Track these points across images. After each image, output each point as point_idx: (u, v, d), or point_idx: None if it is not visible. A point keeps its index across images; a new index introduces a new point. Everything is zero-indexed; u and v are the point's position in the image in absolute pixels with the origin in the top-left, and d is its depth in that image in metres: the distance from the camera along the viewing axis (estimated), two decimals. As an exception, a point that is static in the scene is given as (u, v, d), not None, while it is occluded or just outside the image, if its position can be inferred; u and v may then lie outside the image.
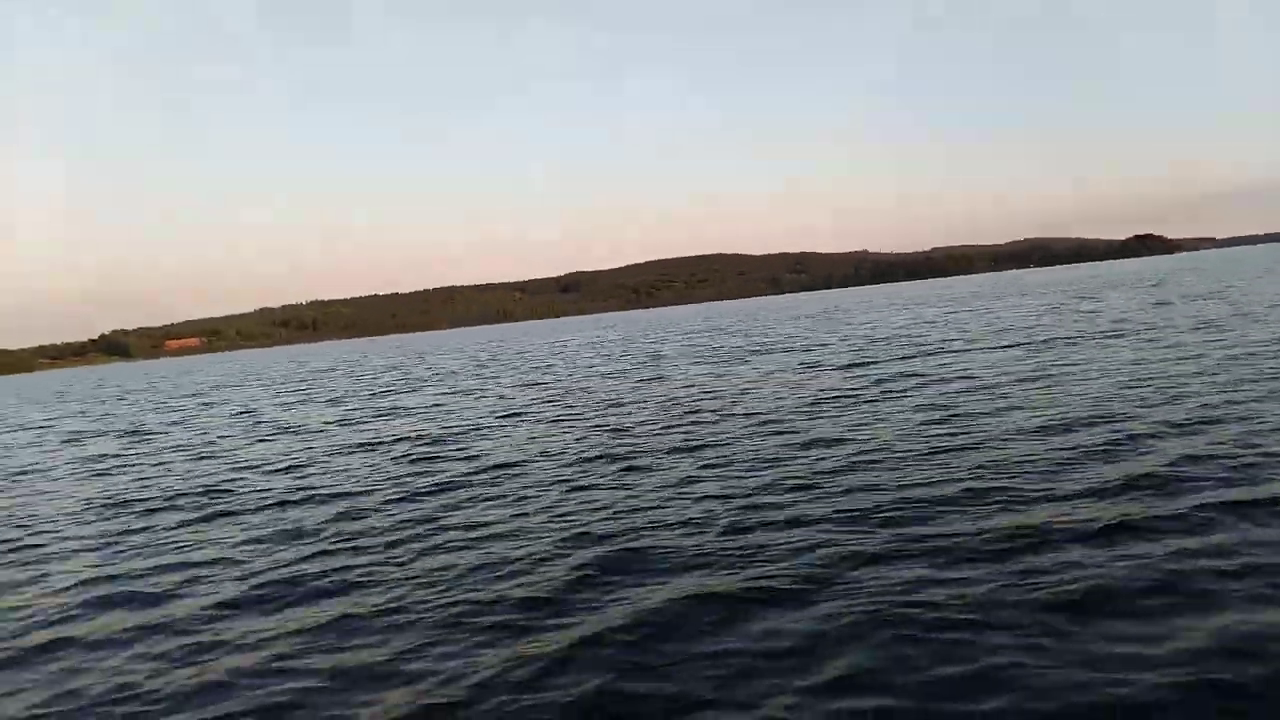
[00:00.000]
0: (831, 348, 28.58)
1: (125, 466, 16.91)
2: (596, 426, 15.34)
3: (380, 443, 16.42)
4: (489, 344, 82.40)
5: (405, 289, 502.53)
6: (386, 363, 60.00)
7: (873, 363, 21.92)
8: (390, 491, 11.34)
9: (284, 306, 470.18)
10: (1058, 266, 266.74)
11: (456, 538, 8.49)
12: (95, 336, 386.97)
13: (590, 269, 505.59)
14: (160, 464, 16.71)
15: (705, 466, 10.64)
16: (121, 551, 9.57)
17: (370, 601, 6.73)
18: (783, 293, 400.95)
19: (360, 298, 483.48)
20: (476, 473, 11.98)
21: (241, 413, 27.65)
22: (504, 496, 10.24)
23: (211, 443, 19.52)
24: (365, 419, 21.46)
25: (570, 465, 11.81)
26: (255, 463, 15.49)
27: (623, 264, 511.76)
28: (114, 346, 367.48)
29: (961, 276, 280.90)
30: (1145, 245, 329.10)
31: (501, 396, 23.60)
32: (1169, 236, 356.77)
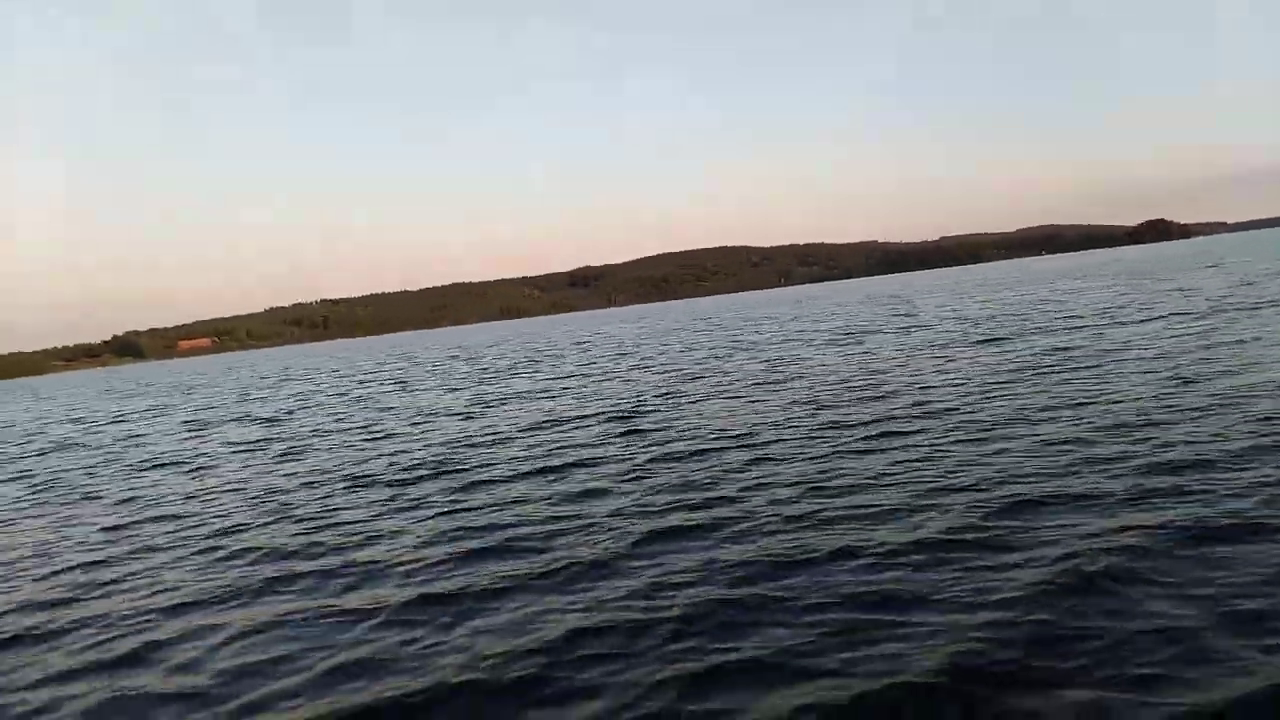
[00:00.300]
0: (938, 329, 28.62)
1: (305, 450, 17.05)
2: (791, 402, 15.40)
3: (561, 420, 16.54)
4: (528, 337, 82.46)
5: (414, 287, 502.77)
6: (441, 355, 60.09)
7: (1003, 339, 21.93)
8: (647, 457, 11.47)
9: (294, 305, 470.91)
10: (1075, 253, 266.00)
11: (819, 490, 8.59)
12: (108, 338, 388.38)
13: (600, 264, 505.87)
14: (344, 445, 16.86)
15: (985, 429, 10.72)
16: (431, 515, 9.68)
17: (828, 544, 6.84)
18: (795, 284, 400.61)
19: (370, 296, 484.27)
20: (722, 439, 12.10)
21: (357, 399, 27.84)
22: (793, 457, 10.37)
23: (367, 427, 19.66)
24: (503, 401, 21.59)
25: (819, 432, 11.90)
26: (448, 440, 15.63)
27: (632, 258, 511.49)
28: (127, 347, 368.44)
29: (980, 264, 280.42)
30: (1158, 230, 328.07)
31: (627, 380, 23.71)
32: (1180, 221, 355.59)
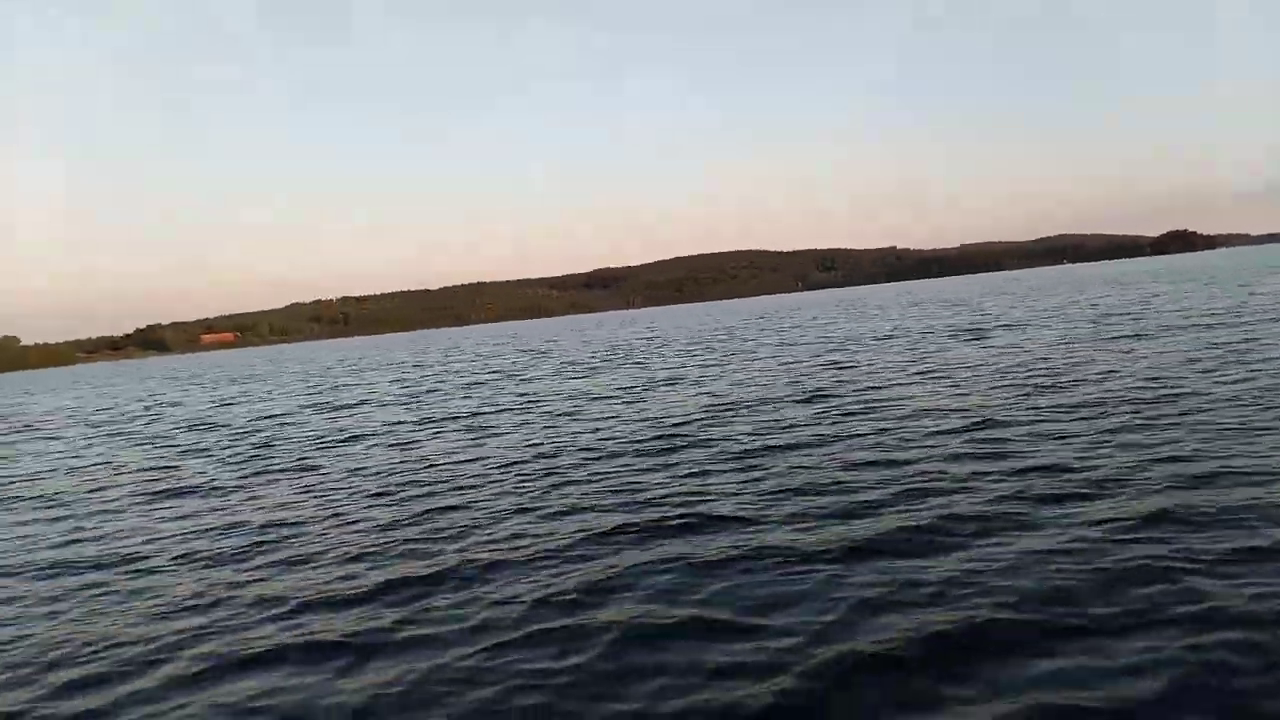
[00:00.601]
0: (1054, 327, 28.58)
1: (493, 427, 17.21)
2: (990, 388, 15.40)
3: (743, 404, 16.63)
4: (573, 335, 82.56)
5: (433, 286, 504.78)
6: (501, 349, 60.32)
7: (1145, 336, 21.82)
8: (904, 432, 11.53)
9: (314, 302, 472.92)
10: (1101, 263, 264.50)
11: (1177, 459, 8.62)
12: (129, 331, 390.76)
13: (618, 266, 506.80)
14: (529, 424, 17.02)
15: (1263, 409, 10.75)
16: (744, 480, 9.77)
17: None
18: (812, 289, 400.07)
19: (389, 294, 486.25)
20: (964, 419, 12.13)
21: (473, 385, 28.05)
22: (1076, 435, 10.39)
23: (528, 408, 19.82)
24: (648, 387, 21.68)
25: (1074, 412, 11.91)
26: (642, 419, 15.74)
27: (649, 261, 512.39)
28: (150, 341, 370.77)
29: (1004, 272, 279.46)
30: (1182, 241, 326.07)
31: (766, 371, 23.80)
32: (1202, 232, 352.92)
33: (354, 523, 9.75)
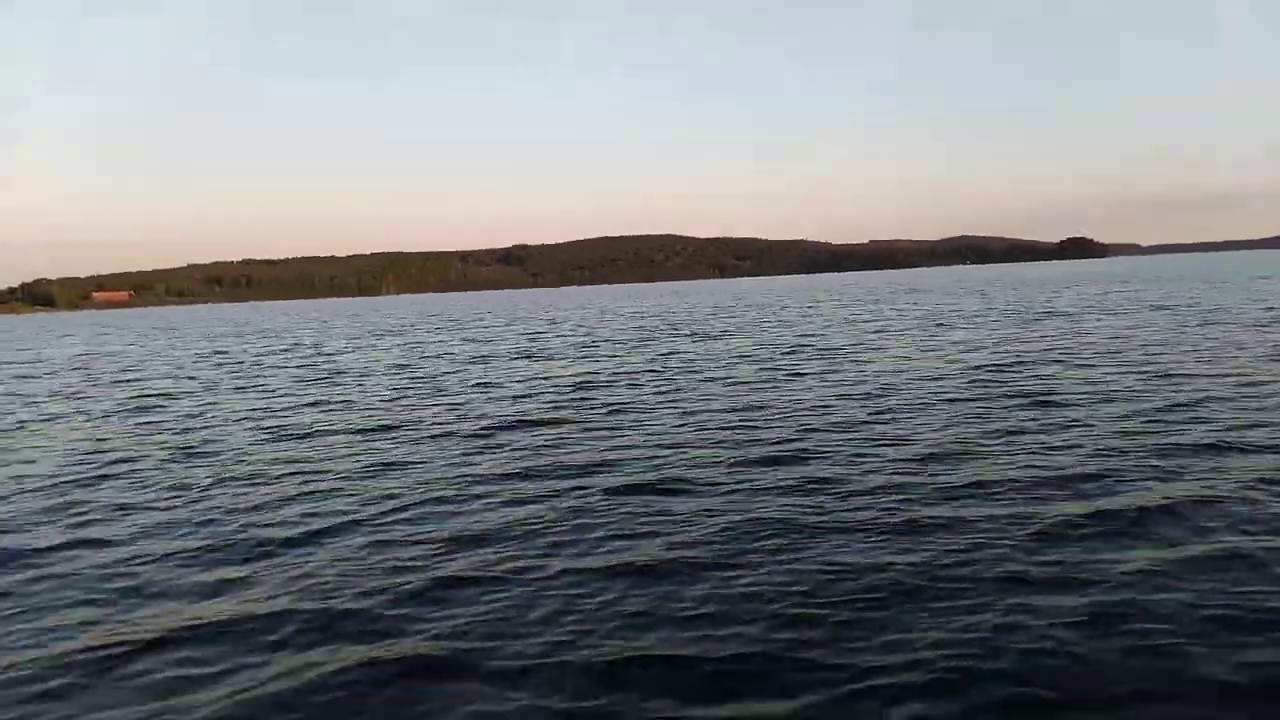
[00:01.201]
0: (1126, 316, 30.82)
1: (739, 380, 17.99)
2: (1207, 359, 17.08)
3: (946, 375, 17.86)
4: (562, 309, 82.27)
5: (341, 254, 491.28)
6: (482, 321, 60.01)
7: (1263, 326, 23.91)
8: (1232, 392, 12.92)
9: (214, 263, 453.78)
10: (1009, 264, 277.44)
11: None
12: (14, 286, 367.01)
13: (535, 243, 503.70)
14: (764, 382, 17.88)
15: None
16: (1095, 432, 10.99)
17: None
18: (729, 277, 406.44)
19: (293, 259, 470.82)
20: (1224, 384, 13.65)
21: (588, 346, 28.52)
22: None
23: (737, 365, 20.63)
24: (819, 354, 22.74)
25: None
26: (876, 375, 16.82)
27: (568, 240, 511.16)
28: (37, 296, 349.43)
29: (915, 269, 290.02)
30: (1081, 248, 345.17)
31: (916, 347, 25.11)
32: (1097, 240, 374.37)
33: (828, 448, 10.50)
